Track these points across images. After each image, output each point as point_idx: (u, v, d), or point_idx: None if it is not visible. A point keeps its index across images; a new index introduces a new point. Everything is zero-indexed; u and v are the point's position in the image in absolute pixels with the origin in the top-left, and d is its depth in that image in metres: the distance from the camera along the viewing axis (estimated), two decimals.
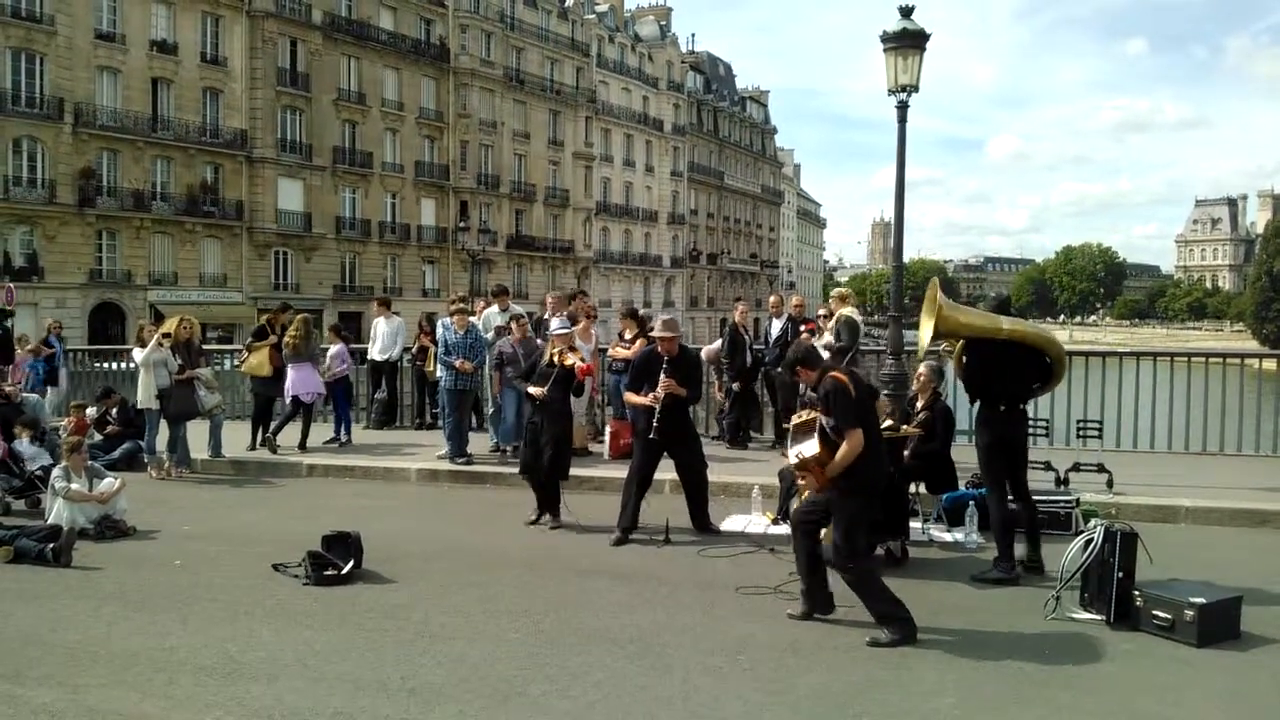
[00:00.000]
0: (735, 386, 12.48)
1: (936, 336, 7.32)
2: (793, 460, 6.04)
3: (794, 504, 8.16)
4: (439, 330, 11.96)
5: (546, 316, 12.38)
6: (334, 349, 13.64)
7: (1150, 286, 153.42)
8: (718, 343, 13.10)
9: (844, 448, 5.73)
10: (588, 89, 66.94)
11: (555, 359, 8.87)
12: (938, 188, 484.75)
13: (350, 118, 50.21)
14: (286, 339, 12.44)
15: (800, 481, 6.24)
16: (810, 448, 5.84)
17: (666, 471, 8.81)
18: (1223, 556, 7.61)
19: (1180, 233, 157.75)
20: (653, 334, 8.67)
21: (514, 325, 11.32)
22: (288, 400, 12.52)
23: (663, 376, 8.26)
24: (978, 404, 7.32)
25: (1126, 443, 11.88)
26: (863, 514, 5.94)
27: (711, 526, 8.51)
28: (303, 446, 12.42)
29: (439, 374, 11.97)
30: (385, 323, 14.53)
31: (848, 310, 11.31)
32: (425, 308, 36.20)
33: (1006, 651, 5.56)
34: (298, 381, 12.36)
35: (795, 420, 6.22)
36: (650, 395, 8.31)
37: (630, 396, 8.71)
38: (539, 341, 11.08)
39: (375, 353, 14.45)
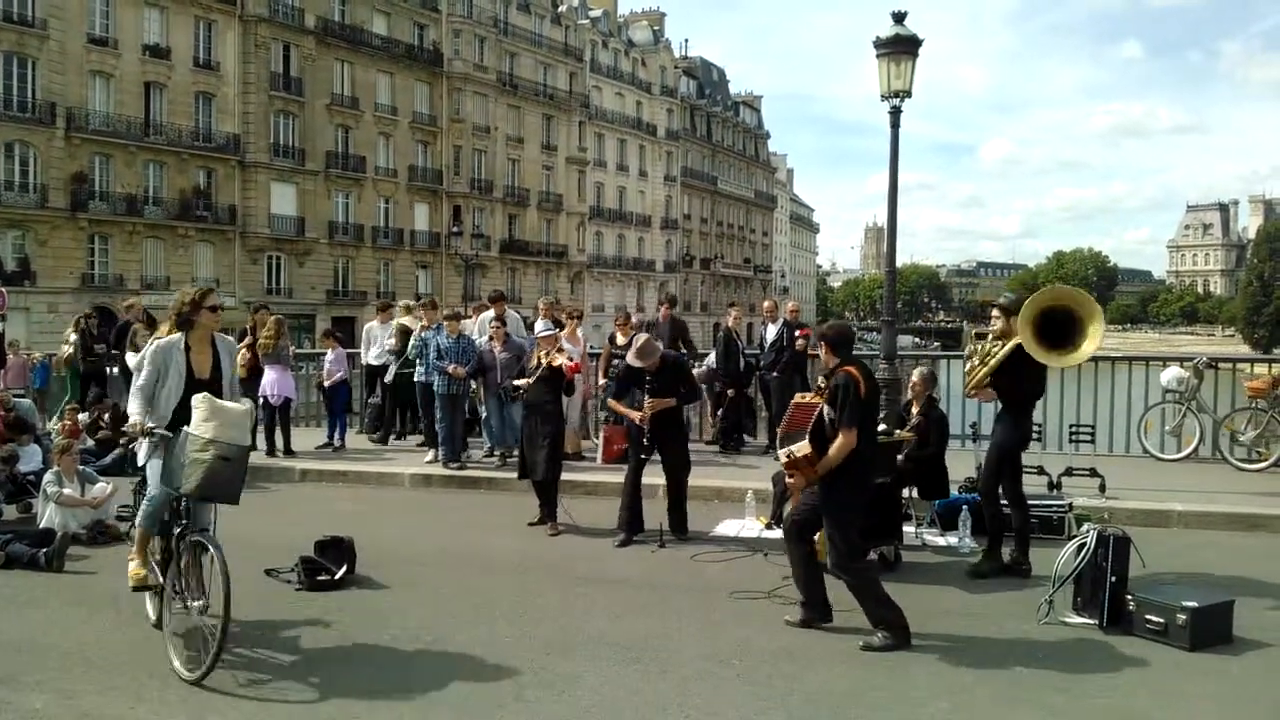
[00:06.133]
0: (730, 392, 12.48)
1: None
2: (782, 459, 6.01)
3: (787, 509, 8.20)
4: (415, 335, 12.18)
5: (534, 322, 12.47)
6: (332, 354, 13.57)
7: (1142, 291, 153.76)
8: (710, 358, 13.07)
9: (835, 447, 5.73)
10: (581, 94, 67.01)
11: (542, 360, 8.95)
12: (930, 192, 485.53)
13: (343, 122, 50.20)
14: (260, 340, 12.35)
15: (790, 480, 6.22)
16: (801, 447, 5.82)
17: (659, 476, 8.81)
18: (1215, 560, 7.63)
19: (1172, 238, 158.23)
20: (630, 361, 8.55)
21: (491, 329, 11.43)
22: (259, 402, 12.36)
23: (648, 399, 8.34)
24: (1003, 408, 7.33)
25: (1119, 447, 11.91)
26: (848, 510, 5.90)
27: (686, 530, 8.50)
28: (288, 450, 12.39)
29: (419, 378, 12.06)
30: (380, 327, 14.51)
31: (406, 319, 13.27)
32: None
33: (1000, 656, 5.58)
34: (268, 382, 12.25)
35: (798, 399, 6.20)
36: (639, 416, 8.35)
37: (615, 405, 8.82)
38: (518, 340, 11.29)
39: (371, 357, 14.43)
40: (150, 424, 5.55)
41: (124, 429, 5.51)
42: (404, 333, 13.49)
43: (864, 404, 5.81)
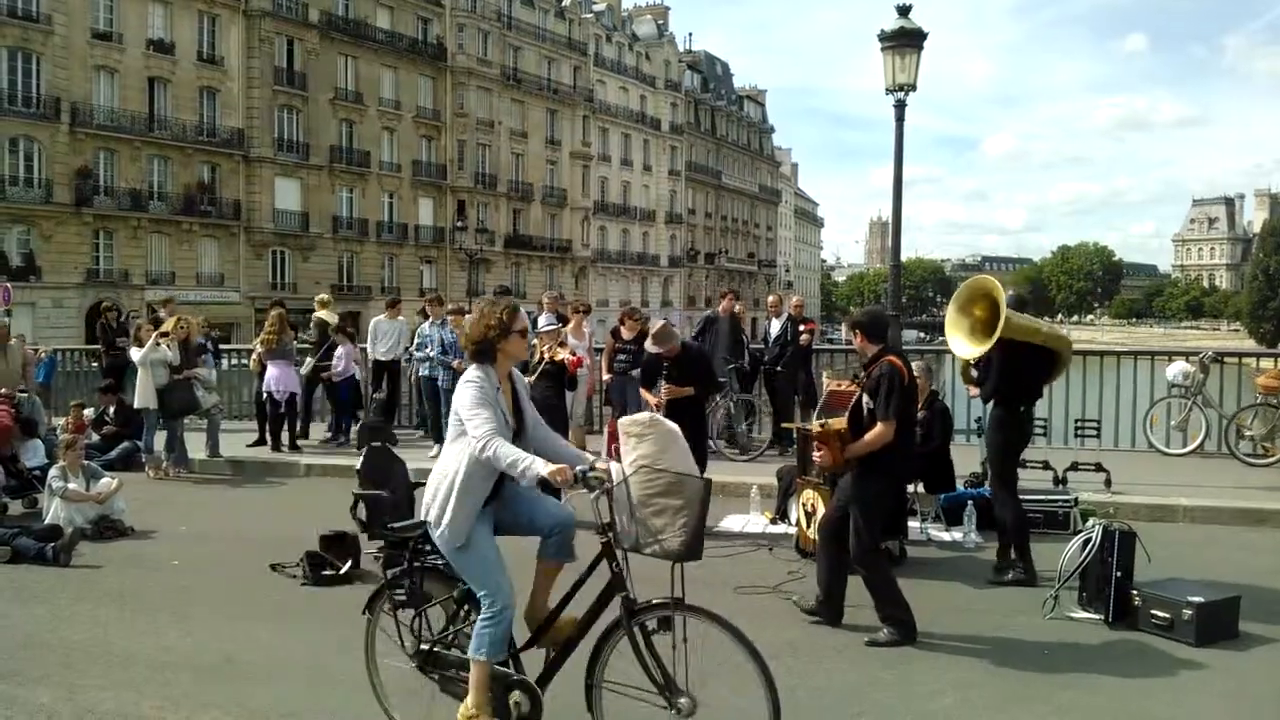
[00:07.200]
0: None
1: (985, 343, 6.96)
2: (815, 427, 5.93)
3: (792, 504, 8.18)
4: (426, 329, 12.19)
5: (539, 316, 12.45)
6: (342, 348, 13.54)
7: (1147, 286, 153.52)
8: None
9: (872, 433, 5.68)
10: (585, 88, 66.92)
11: (545, 354, 8.94)
12: (935, 186, 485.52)
13: (347, 117, 50.20)
14: (262, 335, 12.38)
15: (816, 456, 6.12)
16: (838, 421, 5.78)
17: None
18: (1221, 556, 7.62)
19: (1177, 232, 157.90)
20: (648, 347, 8.57)
21: None
22: (263, 397, 12.43)
23: (663, 384, 8.29)
24: (992, 405, 7.28)
25: (1125, 442, 11.87)
26: (880, 499, 5.86)
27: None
28: (293, 446, 12.41)
29: (423, 372, 12.17)
30: (388, 323, 14.52)
31: (324, 314, 13.86)
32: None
33: (1005, 651, 5.56)
34: (271, 378, 12.25)
35: (833, 386, 6.16)
36: (655, 401, 8.33)
37: (645, 394, 8.81)
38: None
39: (379, 353, 14.43)
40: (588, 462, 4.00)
41: (545, 477, 3.84)
42: (321, 326, 13.54)
43: (904, 395, 5.76)
